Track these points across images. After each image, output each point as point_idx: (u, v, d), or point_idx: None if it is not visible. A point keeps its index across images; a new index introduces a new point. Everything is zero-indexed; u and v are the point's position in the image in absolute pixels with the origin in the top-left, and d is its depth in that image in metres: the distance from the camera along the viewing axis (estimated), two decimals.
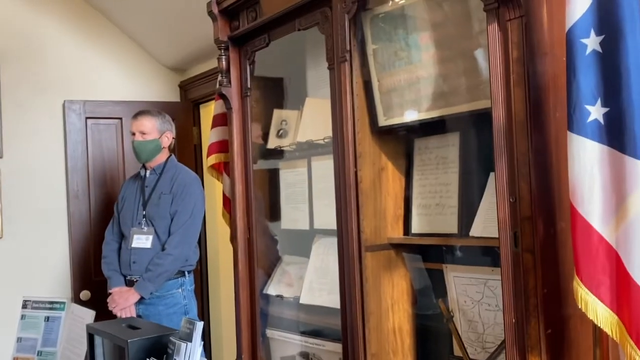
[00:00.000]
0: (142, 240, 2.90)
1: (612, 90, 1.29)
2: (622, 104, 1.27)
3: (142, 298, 2.87)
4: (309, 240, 2.64)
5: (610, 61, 1.29)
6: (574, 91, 1.33)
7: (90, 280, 3.76)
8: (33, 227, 3.73)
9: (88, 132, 3.87)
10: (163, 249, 2.90)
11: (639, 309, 1.23)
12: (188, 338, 1.49)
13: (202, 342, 1.61)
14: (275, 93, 2.90)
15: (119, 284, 2.93)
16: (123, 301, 2.83)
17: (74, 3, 3.95)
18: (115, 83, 4.08)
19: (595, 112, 1.30)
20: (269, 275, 2.79)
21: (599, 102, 1.30)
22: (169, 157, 3.10)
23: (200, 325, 1.48)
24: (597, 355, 1.42)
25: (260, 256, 2.72)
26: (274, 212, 2.82)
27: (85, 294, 3.73)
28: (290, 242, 2.85)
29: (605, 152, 1.30)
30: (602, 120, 1.30)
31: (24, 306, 2.41)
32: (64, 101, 3.83)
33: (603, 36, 1.30)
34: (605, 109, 1.30)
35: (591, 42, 1.31)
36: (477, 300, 2.02)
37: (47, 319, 2.35)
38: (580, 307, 1.32)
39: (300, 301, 2.57)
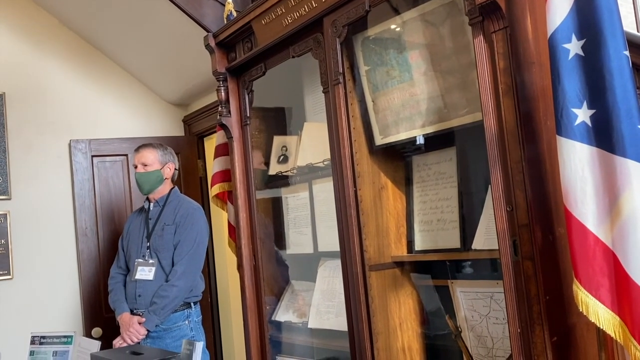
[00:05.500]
0: (145, 272, 2.91)
1: (597, 92, 1.30)
2: (608, 105, 1.28)
3: (148, 331, 2.86)
4: (314, 263, 2.65)
5: (593, 64, 1.31)
6: (560, 95, 1.34)
7: (101, 316, 3.76)
8: (43, 266, 3.75)
9: (94, 170, 3.92)
10: (167, 280, 2.90)
11: None
12: (188, 359, 1.49)
13: None
14: (275, 120, 2.94)
15: (124, 310, 2.93)
16: (136, 333, 2.82)
17: (77, 44, 4.04)
18: (120, 120, 4.15)
19: (582, 114, 1.32)
20: (278, 301, 2.79)
21: (585, 104, 1.32)
22: (172, 188, 3.13)
23: (200, 345, 1.49)
24: (603, 358, 1.40)
25: (268, 282, 2.72)
26: (280, 238, 2.83)
27: (96, 331, 3.72)
28: (297, 267, 2.85)
29: (594, 153, 1.30)
30: (589, 122, 1.31)
31: (32, 342, 2.42)
32: (70, 140, 3.90)
33: (584, 40, 1.33)
34: (592, 111, 1.31)
35: (573, 47, 1.34)
36: (485, 314, 2.00)
37: (55, 353, 2.35)
38: (581, 310, 1.31)
39: (309, 326, 2.56)
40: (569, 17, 1.35)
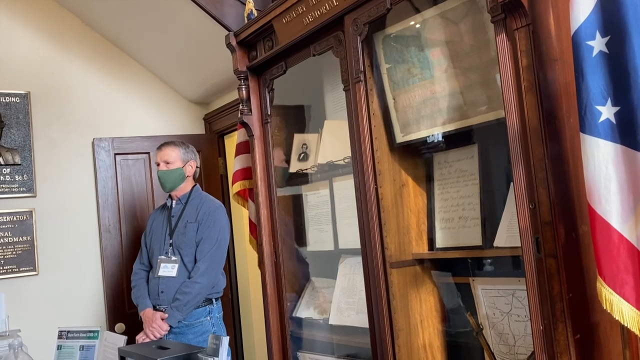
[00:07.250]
0: (168, 269, 2.95)
1: (621, 89, 1.29)
2: (633, 102, 1.27)
3: (170, 327, 2.90)
4: (335, 260, 2.66)
5: (617, 61, 1.30)
6: (584, 93, 1.34)
7: (124, 312, 3.82)
8: (67, 262, 3.82)
9: (117, 167, 3.98)
10: (189, 277, 2.94)
11: None
12: (215, 354, 1.52)
13: None
14: (295, 118, 2.96)
15: (147, 306, 2.98)
16: (159, 328, 2.87)
17: (99, 44, 4.11)
18: (142, 119, 4.21)
19: (606, 111, 1.31)
20: (299, 297, 2.81)
21: (609, 101, 1.31)
22: (193, 186, 3.17)
23: (226, 340, 1.51)
24: (627, 356, 1.39)
25: (289, 279, 2.74)
26: (301, 235, 2.85)
27: (120, 327, 3.79)
28: (318, 263, 2.86)
29: (619, 151, 1.30)
30: (613, 120, 1.30)
31: (60, 336, 2.47)
32: (93, 139, 3.96)
33: (609, 37, 1.32)
34: (616, 108, 1.30)
35: (597, 44, 1.33)
36: (506, 312, 2.00)
37: (82, 347, 2.41)
38: (605, 307, 1.30)
39: (330, 322, 2.58)
40: (592, 13, 1.34)
